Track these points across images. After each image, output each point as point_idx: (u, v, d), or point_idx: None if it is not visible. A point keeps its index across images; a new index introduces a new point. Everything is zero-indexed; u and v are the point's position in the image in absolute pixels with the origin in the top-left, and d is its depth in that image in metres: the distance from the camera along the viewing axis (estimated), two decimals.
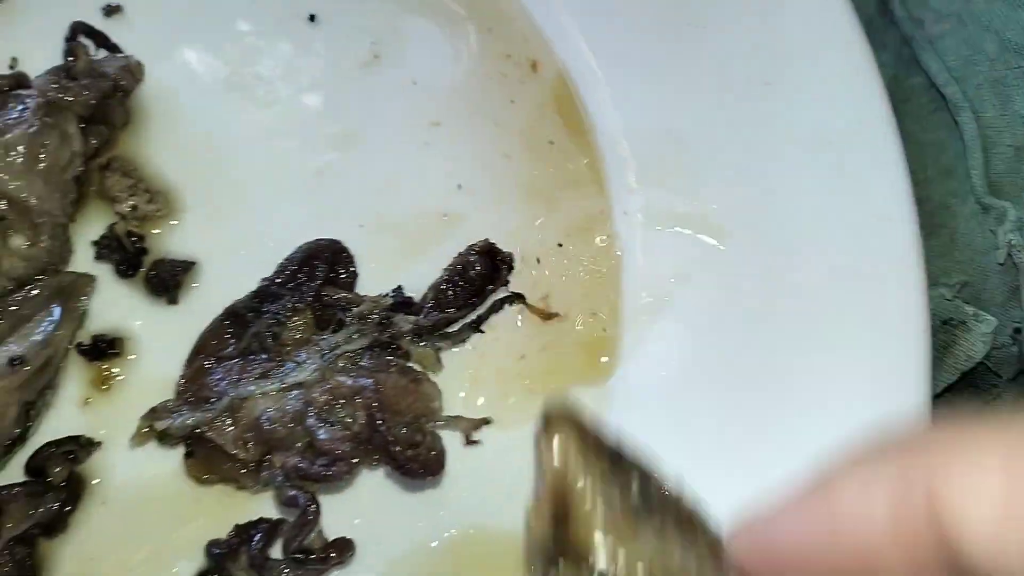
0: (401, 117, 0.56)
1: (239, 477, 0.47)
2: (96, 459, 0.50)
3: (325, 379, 0.46)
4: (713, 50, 0.56)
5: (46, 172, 0.47)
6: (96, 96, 0.50)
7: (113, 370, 0.51)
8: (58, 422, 0.50)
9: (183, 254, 0.52)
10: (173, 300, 0.51)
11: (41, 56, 0.54)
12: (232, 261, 0.52)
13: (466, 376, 0.52)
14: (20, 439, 0.48)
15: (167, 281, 0.51)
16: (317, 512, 0.45)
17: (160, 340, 0.51)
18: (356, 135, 0.56)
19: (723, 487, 0.49)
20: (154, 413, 0.47)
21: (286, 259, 0.50)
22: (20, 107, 0.48)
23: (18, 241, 0.47)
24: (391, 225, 0.54)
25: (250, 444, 0.47)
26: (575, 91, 0.57)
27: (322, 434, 0.45)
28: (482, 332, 0.53)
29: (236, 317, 0.50)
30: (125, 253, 0.51)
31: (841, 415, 0.50)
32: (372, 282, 0.53)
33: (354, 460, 0.45)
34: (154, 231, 0.52)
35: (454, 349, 0.53)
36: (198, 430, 0.47)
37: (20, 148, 0.46)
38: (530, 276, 0.55)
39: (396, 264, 0.53)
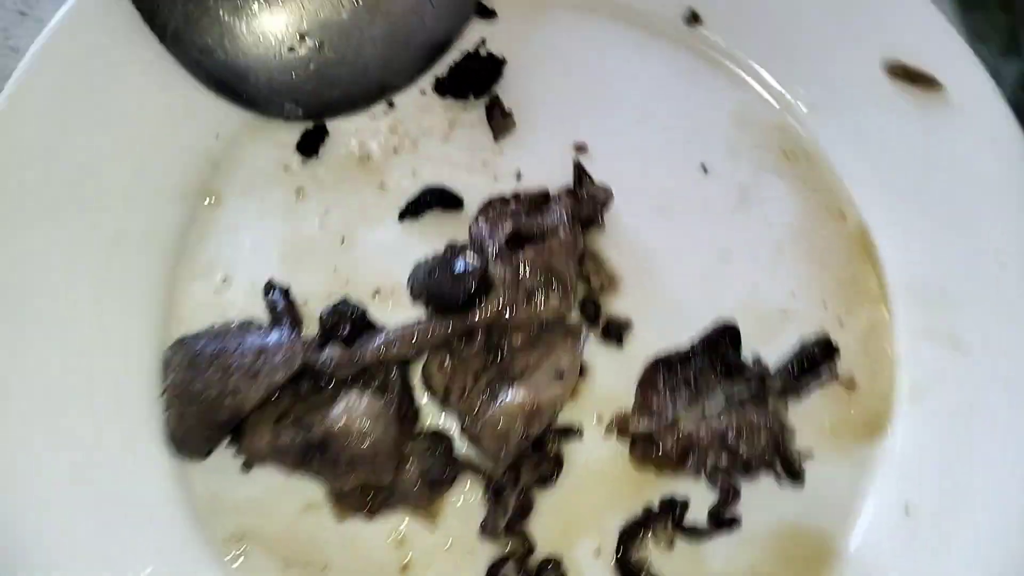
0: (759, 244, 0.85)
1: (667, 466, 0.74)
2: (567, 444, 0.77)
3: (734, 411, 0.73)
4: (967, 220, 0.84)
5: (576, 258, 0.75)
6: (593, 209, 0.78)
7: (579, 388, 0.78)
8: None
9: (623, 314, 0.80)
10: (619, 344, 0.79)
11: (536, 170, 0.83)
12: (650, 323, 0.80)
13: (794, 422, 0.80)
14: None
15: (614, 332, 0.79)
16: (738, 495, 0.72)
17: (608, 370, 0.79)
18: (729, 253, 0.84)
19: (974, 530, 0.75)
20: (623, 418, 0.74)
21: (706, 329, 0.77)
22: (554, 214, 0.76)
23: (554, 301, 0.74)
24: (749, 315, 0.82)
25: (678, 446, 0.74)
26: (870, 239, 0.86)
27: (743, 449, 0.72)
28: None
29: (665, 363, 0.77)
30: (591, 311, 0.79)
31: None
32: None
33: (758, 467, 0.72)
34: (606, 298, 0.80)
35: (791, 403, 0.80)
36: (648, 432, 0.74)
37: (567, 241, 0.74)
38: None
39: (753, 342, 0.81)
